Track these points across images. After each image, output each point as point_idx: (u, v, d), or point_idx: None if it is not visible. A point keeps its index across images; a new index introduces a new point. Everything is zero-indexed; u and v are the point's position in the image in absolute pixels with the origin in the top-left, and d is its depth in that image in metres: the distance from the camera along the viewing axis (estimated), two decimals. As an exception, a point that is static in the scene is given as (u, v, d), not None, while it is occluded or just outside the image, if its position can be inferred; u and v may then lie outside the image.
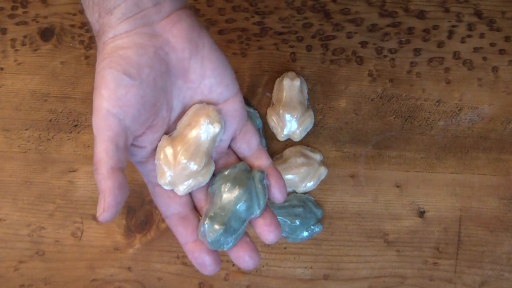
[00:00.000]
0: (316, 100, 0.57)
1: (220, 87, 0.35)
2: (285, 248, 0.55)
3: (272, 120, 0.55)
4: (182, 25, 0.34)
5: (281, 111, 0.54)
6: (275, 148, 0.57)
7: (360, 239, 0.55)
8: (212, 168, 0.35)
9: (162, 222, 0.55)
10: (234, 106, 0.36)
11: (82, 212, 0.55)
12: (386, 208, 0.56)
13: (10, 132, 0.56)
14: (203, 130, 0.34)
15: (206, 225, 0.34)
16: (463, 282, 0.55)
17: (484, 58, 0.58)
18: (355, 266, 0.55)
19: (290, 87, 0.54)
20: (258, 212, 0.35)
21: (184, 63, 0.34)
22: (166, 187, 0.35)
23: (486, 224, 0.56)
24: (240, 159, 0.38)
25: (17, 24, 0.57)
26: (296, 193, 0.55)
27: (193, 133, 0.34)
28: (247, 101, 0.57)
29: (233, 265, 0.55)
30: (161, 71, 0.33)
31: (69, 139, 0.56)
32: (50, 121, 0.56)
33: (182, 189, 0.35)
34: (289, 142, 0.57)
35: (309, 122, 0.55)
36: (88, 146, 0.56)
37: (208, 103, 0.35)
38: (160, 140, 0.35)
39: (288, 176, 0.54)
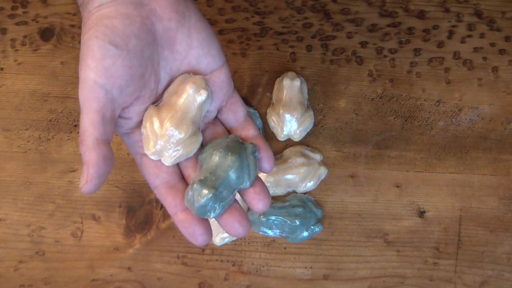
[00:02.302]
0: (316, 100, 0.57)
1: (207, 58, 0.35)
2: (285, 248, 0.55)
3: (272, 120, 0.55)
4: None
5: (281, 111, 0.54)
6: (275, 148, 0.57)
7: (360, 239, 0.55)
8: (200, 139, 0.35)
9: (162, 222, 0.55)
10: (221, 77, 0.36)
11: (82, 212, 0.55)
12: (386, 208, 0.56)
13: (10, 132, 0.56)
14: (189, 97, 0.34)
15: (195, 189, 0.33)
16: (463, 282, 0.55)
17: (484, 58, 0.58)
18: (355, 266, 0.55)
19: (290, 87, 0.54)
20: (248, 183, 0.34)
21: (170, 33, 0.34)
22: (153, 157, 0.34)
23: (486, 224, 0.56)
24: (227, 130, 0.38)
25: (17, 24, 0.57)
26: (296, 193, 0.55)
27: (179, 101, 0.34)
28: (247, 101, 0.57)
29: (233, 265, 0.55)
30: (148, 41, 0.33)
31: (69, 139, 0.56)
32: (50, 121, 0.56)
33: (169, 159, 0.34)
34: (289, 142, 0.57)
35: (309, 122, 0.55)
36: (88, 146, 0.56)
37: (195, 73, 0.35)
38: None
39: (288, 176, 0.54)
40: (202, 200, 0.33)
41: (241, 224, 0.34)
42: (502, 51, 0.58)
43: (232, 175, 0.34)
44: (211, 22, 0.58)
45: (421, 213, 0.56)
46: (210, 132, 0.37)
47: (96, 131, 0.31)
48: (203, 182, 0.33)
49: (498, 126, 0.57)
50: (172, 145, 0.34)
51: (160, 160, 0.35)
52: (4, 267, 0.54)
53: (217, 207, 0.33)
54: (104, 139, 0.31)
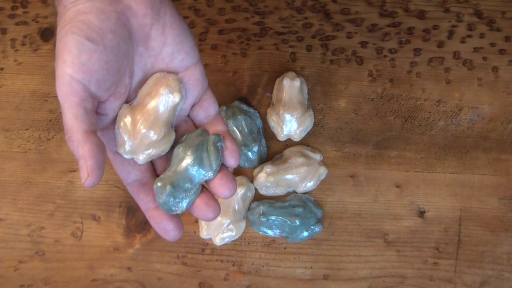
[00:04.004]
0: (316, 100, 0.57)
1: (181, 54, 0.35)
2: (285, 248, 0.55)
3: (272, 120, 0.55)
4: None
5: (281, 111, 0.54)
6: (275, 148, 0.57)
7: (360, 239, 0.55)
8: (172, 138, 0.35)
9: (162, 222, 0.55)
10: (195, 75, 0.36)
11: (82, 212, 0.55)
12: (386, 208, 0.56)
13: (10, 132, 0.56)
14: (163, 100, 0.34)
15: (155, 188, 0.34)
16: (463, 282, 0.55)
17: (484, 58, 0.58)
18: (355, 266, 0.55)
19: (290, 87, 0.54)
20: (211, 174, 0.35)
21: (145, 29, 0.34)
22: (126, 156, 0.35)
23: (486, 224, 0.56)
24: (196, 126, 0.38)
25: (17, 24, 0.57)
26: (296, 193, 0.55)
27: (152, 103, 0.34)
28: (247, 101, 0.57)
29: (233, 265, 0.55)
30: (124, 36, 0.33)
31: (69, 139, 0.56)
32: (50, 121, 0.56)
33: (142, 158, 0.35)
34: (289, 142, 0.57)
35: (309, 122, 0.55)
36: (88, 146, 0.56)
37: (169, 71, 0.36)
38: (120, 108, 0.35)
39: (288, 176, 0.54)
40: (162, 197, 0.34)
41: (209, 205, 0.34)
42: (502, 51, 0.58)
43: (191, 169, 0.34)
44: (211, 22, 0.58)
45: (421, 213, 0.56)
46: (182, 129, 0.37)
47: (82, 124, 0.31)
48: (161, 180, 0.34)
49: (498, 126, 0.57)
50: (145, 146, 0.34)
51: (133, 158, 0.35)
52: (4, 267, 0.54)
53: (181, 202, 0.34)
54: (92, 130, 0.31)
